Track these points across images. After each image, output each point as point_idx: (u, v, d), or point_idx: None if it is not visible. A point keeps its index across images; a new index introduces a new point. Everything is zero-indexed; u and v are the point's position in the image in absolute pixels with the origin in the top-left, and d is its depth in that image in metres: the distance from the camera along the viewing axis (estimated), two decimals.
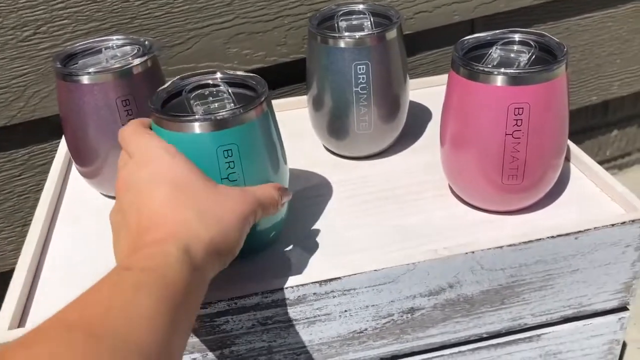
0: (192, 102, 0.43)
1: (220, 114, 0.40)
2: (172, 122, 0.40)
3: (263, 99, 0.42)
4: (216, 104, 0.43)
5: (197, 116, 0.40)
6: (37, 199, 0.68)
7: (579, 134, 0.96)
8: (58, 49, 0.61)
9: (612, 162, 1.03)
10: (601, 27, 0.84)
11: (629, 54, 0.88)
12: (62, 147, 0.61)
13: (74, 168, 0.60)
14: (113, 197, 0.55)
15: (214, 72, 0.45)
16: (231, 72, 0.45)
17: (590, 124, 0.96)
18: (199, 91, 0.44)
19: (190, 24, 0.64)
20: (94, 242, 0.50)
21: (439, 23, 0.74)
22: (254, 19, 0.66)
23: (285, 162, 0.46)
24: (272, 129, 0.44)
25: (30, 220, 0.68)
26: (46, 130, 0.65)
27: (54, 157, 0.67)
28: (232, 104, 0.43)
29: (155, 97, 0.43)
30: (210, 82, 0.45)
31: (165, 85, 0.44)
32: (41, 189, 0.67)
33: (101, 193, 0.56)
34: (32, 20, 0.59)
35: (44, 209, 0.52)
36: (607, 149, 1.01)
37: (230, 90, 0.44)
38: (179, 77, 0.45)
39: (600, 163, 1.01)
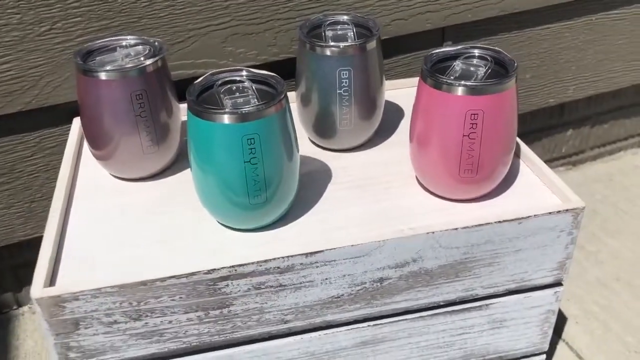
0: (221, 95, 0.51)
1: (246, 108, 0.48)
2: (206, 113, 0.48)
3: (282, 96, 0.50)
4: (242, 99, 0.51)
5: (226, 109, 0.49)
6: (46, 178, 0.75)
7: (537, 133, 1.06)
8: (71, 43, 0.68)
9: (567, 159, 1.13)
10: (559, 37, 0.93)
11: (584, 62, 0.97)
12: (74, 132, 0.68)
13: (85, 151, 0.67)
14: (122, 178, 0.62)
15: (241, 70, 0.53)
16: (255, 70, 0.53)
17: (547, 124, 1.06)
18: (227, 86, 0.52)
19: (190, 24, 0.71)
20: (106, 216, 0.58)
21: (413, 30, 0.82)
22: (248, 21, 0.73)
23: (298, 150, 0.55)
24: (289, 122, 0.52)
25: (38, 197, 0.75)
26: (57, 116, 0.72)
27: (63, 140, 0.74)
28: (256, 100, 0.51)
29: (192, 89, 0.51)
30: (237, 78, 0.53)
31: (199, 80, 0.52)
32: (50, 169, 0.75)
33: (110, 174, 0.63)
34: (48, 17, 0.66)
35: (62, 187, 0.59)
36: (562, 147, 1.11)
37: (253, 87, 0.52)
38: (210, 73, 0.53)
39: (557, 159, 1.11)
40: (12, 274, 0.83)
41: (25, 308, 0.86)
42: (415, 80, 0.79)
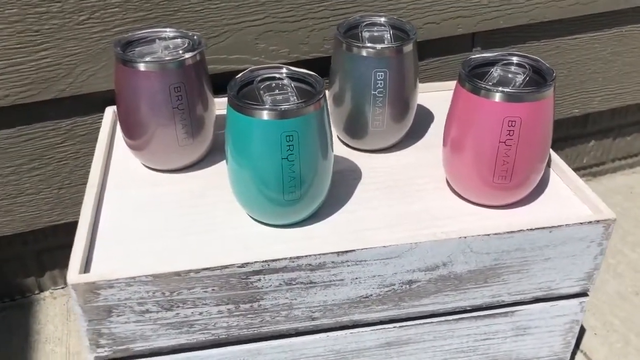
0: (261, 92, 0.52)
1: (287, 105, 0.49)
2: (246, 108, 0.49)
3: (322, 95, 0.51)
4: (281, 96, 0.51)
5: (267, 105, 0.49)
6: (75, 166, 0.76)
7: (560, 142, 1.06)
8: (108, 33, 0.68)
9: (587, 170, 1.12)
10: (588, 48, 0.93)
11: (610, 74, 0.97)
12: (106, 121, 0.69)
13: (117, 140, 0.67)
14: (154, 169, 0.63)
15: (280, 68, 0.54)
16: (294, 68, 0.54)
17: (570, 134, 1.06)
18: (267, 83, 0.53)
19: (225, 19, 0.72)
20: (139, 206, 0.58)
21: (444, 34, 0.82)
22: (282, 19, 0.74)
23: (332, 149, 0.55)
24: (326, 120, 0.52)
25: (66, 184, 0.76)
26: (89, 104, 0.73)
27: (93, 128, 0.74)
28: (295, 97, 0.51)
29: (233, 85, 0.51)
30: (277, 76, 0.53)
31: (240, 75, 0.53)
32: (79, 157, 0.75)
33: (143, 164, 0.64)
34: (88, 6, 0.66)
35: (96, 176, 0.60)
36: (584, 157, 1.11)
37: (292, 85, 0.52)
38: (249, 69, 0.53)
39: (577, 169, 1.11)
40: (35, 259, 0.84)
41: (46, 293, 0.86)
42: (445, 84, 0.79)
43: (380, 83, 0.60)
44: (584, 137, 1.08)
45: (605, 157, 1.12)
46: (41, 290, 0.87)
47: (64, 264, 0.86)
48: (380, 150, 0.67)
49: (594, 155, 1.11)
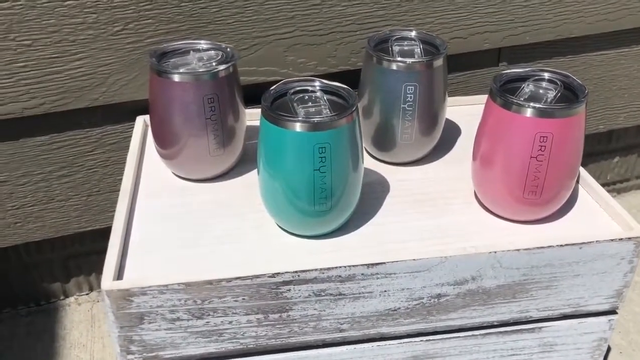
0: (295, 104, 0.52)
1: (320, 118, 0.49)
2: (280, 120, 0.49)
3: (354, 108, 0.51)
4: (313, 109, 0.52)
5: (300, 117, 0.50)
6: (104, 174, 0.77)
7: (584, 158, 1.04)
8: (141, 44, 0.69)
9: (611, 186, 1.12)
10: (614, 64, 0.93)
11: (637, 90, 0.97)
12: (137, 130, 0.70)
13: (147, 151, 0.68)
14: (186, 179, 0.64)
15: (313, 80, 0.55)
16: (326, 81, 0.54)
17: (595, 150, 1.05)
18: (300, 95, 0.53)
19: (255, 32, 0.73)
20: (170, 215, 0.59)
21: (471, 49, 0.83)
22: (310, 32, 0.75)
23: (363, 161, 0.55)
24: (357, 133, 0.53)
25: (95, 191, 0.77)
26: (120, 113, 0.74)
27: (123, 137, 0.75)
28: (328, 110, 0.52)
29: (266, 96, 0.52)
30: (310, 88, 0.54)
31: (273, 88, 0.53)
32: (108, 165, 0.76)
33: (173, 173, 0.64)
34: (122, 18, 0.68)
35: (128, 184, 0.61)
36: (608, 174, 1.10)
37: (325, 97, 0.53)
38: (282, 81, 0.54)
39: (602, 186, 1.10)
40: (61, 265, 0.86)
41: (71, 299, 0.87)
42: (471, 97, 0.79)
43: (410, 97, 0.61)
44: (608, 154, 1.07)
45: (629, 173, 1.11)
46: (66, 296, 0.88)
47: (89, 270, 0.88)
48: (408, 163, 0.67)
49: (618, 172, 1.10)
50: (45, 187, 0.76)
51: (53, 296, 0.88)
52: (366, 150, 0.69)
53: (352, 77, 0.71)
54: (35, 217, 0.77)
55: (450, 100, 0.77)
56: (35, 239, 0.79)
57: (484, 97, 0.57)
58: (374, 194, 0.62)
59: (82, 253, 0.86)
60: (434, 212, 0.60)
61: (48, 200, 0.77)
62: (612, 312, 0.60)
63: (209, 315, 0.51)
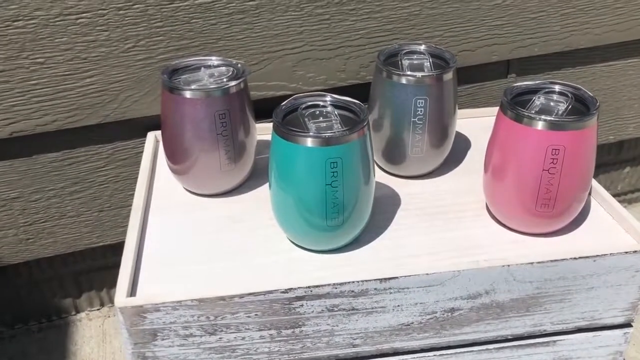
0: (306, 119, 0.53)
1: (331, 133, 0.50)
2: (291, 135, 0.50)
3: (365, 123, 0.51)
4: (325, 124, 0.52)
5: (311, 133, 0.50)
6: (115, 189, 0.77)
7: (594, 168, 1.05)
8: (152, 60, 0.70)
9: (622, 197, 1.11)
10: (623, 74, 0.93)
11: None
12: (149, 145, 0.70)
13: (158, 166, 0.69)
14: (197, 194, 0.64)
15: (324, 95, 0.55)
16: (337, 96, 0.55)
17: (605, 160, 1.05)
18: (311, 110, 0.54)
19: (265, 47, 0.73)
20: (182, 230, 0.59)
21: (479, 61, 0.83)
22: (320, 47, 0.75)
23: (374, 175, 0.55)
24: (369, 147, 0.53)
25: (106, 207, 0.78)
26: (132, 129, 0.74)
27: (134, 153, 0.76)
28: (339, 125, 0.52)
29: (278, 112, 0.52)
30: (321, 103, 0.54)
31: (284, 103, 0.54)
32: (119, 181, 0.77)
33: (185, 188, 0.65)
34: (133, 35, 0.68)
35: (140, 200, 0.61)
36: (618, 184, 1.09)
37: (336, 112, 0.53)
38: (293, 97, 0.54)
39: (612, 196, 1.10)
40: (73, 280, 0.86)
41: (82, 314, 0.88)
42: (480, 110, 0.79)
43: (421, 110, 0.61)
44: (619, 164, 1.07)
45: None
46: (77, 312, 0.88)
47: (100, 285, 0.88)
48: (419, 176, 0.67)
49: (628, 182, 1.10)
50: (57, 203, 0.76)
51: (64, 312, 0.88)
52: (377, 163, 0.69)
53: (361, 91, 0.71)
54: (47, 233, 0.78)
55: (459, 112, 0.78)
56: (47, 255, 0.79)
57: (493, 110, 0.57)
58: (386, 208, 0.62)
59: (93, 268, 0.86)
60: (446, 225, 0.60)
61: (60, 216, 0.77)
62: (627, 325, 0.59)
63: (221, 331, 0.51)
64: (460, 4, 0.78)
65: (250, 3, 0.70)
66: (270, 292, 0.50)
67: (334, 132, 0.50)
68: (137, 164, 0.71)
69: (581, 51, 0.88)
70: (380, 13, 0.75)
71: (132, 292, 0.52)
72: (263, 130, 0.69)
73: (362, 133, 0.52)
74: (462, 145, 0.73)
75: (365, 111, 0.53)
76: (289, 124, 0.53)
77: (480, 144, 0.63)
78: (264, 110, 0.71)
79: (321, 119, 0.54)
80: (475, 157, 0.70)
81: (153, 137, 0.72)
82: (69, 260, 0.84)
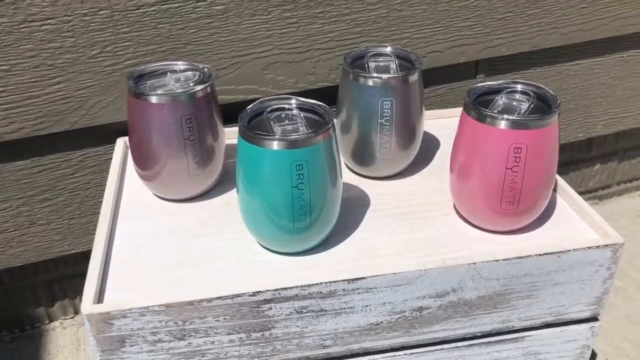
0: (271, 122, 0.53)
1: (296, 135, 0.50)
2: (257, 139, 0.50)
3: (330, 125, 0.52)
4: (290, 127, 0.52)
5: (277, 136, 0.50)
6: (86, 196, 0.77)
7: (565, 166, 1.06)
8: (119, 66, 0.70)
9: (593, 193, 1.13)
10: (590, 73, 0.95)
11: (613, 98, 0.98)
12: (118, 151, 0.70)
13: (127, 172, 0.68)
14: (166, 199, 0.64)
15: (290, 98, 0.55)
16: (303, 99, 0.55)
17: (575, 158, 1.07)
18: (277, 113, 0.54)
19: (234, 51, 0.74)
20: (150, 236, 0.59)
21: (448, 62, 0.84)
22: (288, 50, 0.76)
23: (341, 176, 0.56)
24: (334, 149, 0.53)
25: (77, 214, 0.77)
26: (101, 135, 0.74)
27: (104, 160, 0.75)
28: (304, 127, 0.52)
29: (243, 115, 0.53)
30: (286, 106, 0.54)
31: (250, 107, 0.54)
32: (90, 188, 0.76)
33: (154, 194, 0.65)
34: (100, 41, 0.68)
35: (108, 206, 0.61)
36: (589, 181, 1.11)
37: (302, 115, 0.54)
38: (259, 100, 0.55)
39: (583, 193, 1.12)
40: (45, 289, 0.85)
41: (56, 323, 0.87)
42: (449, 110, 0.80)
43: (387, 112, 0.61)
44: (589, 161, 1.08)
45: (610, 180, 1.12)
46: (51, 320, 0.87)
47: (74, 293, 0.87)
48: (388, 177, 0.67)
49: (599, 179, 1.11)
50: (26, 211, 0.76)
51: (38, 321, 0.87)
52: (346, 165, 0.69)
53: (331, 93, 0.72)
54: (17, 242, 0.77)
55: (428, 113, 0.78)
56: (17, 264, 0.78)
57: (461, 110, 0.58)
58: (354, 209, 0.63)
59: (66, 276, 0.85)
60: (414, 225, 0.60)
61: (30, 224, 0.76)
62: (593, 319, 0.60)
63: (190, 336, 0.51)
64: (428, 6, 0.79)
65: (218, 7, 0.70)
66: (238, 295, 0.50)
67: (299, 135, 0.51)
68: (108, 170, 0.70)
69: (548, 51, 0.89)
70: (349, 16, 0.76)
71: (100, 299, 0.52)
72: (233, 135, 0.69)
73: (327, 135, 0.52)
74: (430, 146, 0.73)
75: (331, 113, 0.54)
76: (255, 128, 0.53)
77: (448, 144, 0.64)
78: (234, 114, 0.71)
79: (287, 122, 0.54)
80: (443, 158, 0.71)
81: (122, 143, 0.71)
82: (41, 269, 0.83)
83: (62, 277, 0.85)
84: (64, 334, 0.85)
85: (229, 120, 0.68)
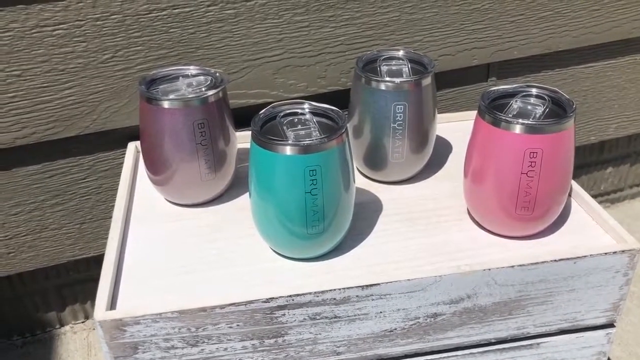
0: (284, 127, 0.53)
1: (310, 140, 0.50)
2: (270, 144, 0.49)
3: (344, 130, 0.51)
4: (303, 131, 0.52)
5: (290, 141, 0.50)
6: (97, 201, 0.77)
7: (577, 169, 1.06)
8: (131, 71, 0.70)
9: (605, 196, 1.12)
10: (602, 76, 0.94)
11: (626, 101, 0.97)
12: (129, 156, 0.70)
13: (139, 177, 0.68)
14: (178, 204, 0.64)
15: (302, 103, 0.55)
16: (315, 103, 0.55)
17: (587, 161, 1.06)
18: (290, 118, 0.53)
19: (245, 55, 0.73)
20: (162, 241, 0.59)
21: (459, 65, 0.83)
22: (299, 54, 0.75)
23: (354, 181, 0.55)
24: (348, 154, 0.53)
25: (89, 219, 0.77)
26: (112, 140, 0.74)
27: (115, 164, 0.75)
28: (317, 132, 0.52)
29: (256, 120, 0.52)
30: (299, 111, 0.54)
31: (262, 112, 0.54)
32: (101, 192, 0.76)
33: (166, 199, 0.64)
34: (112, 45, 0.68)
35: (120, 211, 0.61)
36: (601, 184, 1.10)
37: (314, 119, 0.53)
38: (271, 105, 0.54)
39: (595, 197, 1.11)
40: (56, 293, 0.85)
41: (67, 327, 0.87)
42: (461, 114, 0.80)
43: (400, 116, 0.61)
44: (601, 164, 1.07)
45: (622, 183, 1.11)
46: (62, 325, 0.87)
47: (84, 298, 0.87)
48: (400, 181, 0.67)
49: (611, 182, 1.10)
50: (38, 216, 0.76)
51: (49, 325, 0.87)
52: (358, 169, 0.69)
53: (342, 97, 0.71)
54: (28, 246, 0.77)
55: (440, 116, 0.78)
56: (29, 269, 0.78)
57: (473, 113, 0.57)
58: (367, 214, 0.62)
59: (77, 281, 0.85)
60: (428, 230, 0.60)
61: (41, 229, 0.76)
62: (609, 325, 0.59)
63: (203, 342, 0.51)
64: (440, 9, 0.78)
65: (229, 12, 0.70)
66: (252, 301, 0.50)
67: (312, 140, 0.50)
68: (119, 174, 0.70)
69: (560, 53, 0.89)
70: (360, 19, 0.76)
71: (112, 305, 0.51)
72: (245, 139, 0.69)
73: (340, 140, 0.52)
74: (443, 150, 0.73)
75: (344, 118, 0.53)
76: (268, 133, 0.52)
77: (461, 148, 0.63)
78: (245, 118, 0.71)
79: (299, 126, 0.54)
80: (456, 162, 0.70)
81: (134, 148, 0.71)
82: (52, 273, 0.83)
83: (73, 282, 0.85)
84: (75, 338, 0.85)
85: (239, 124, 0.67)
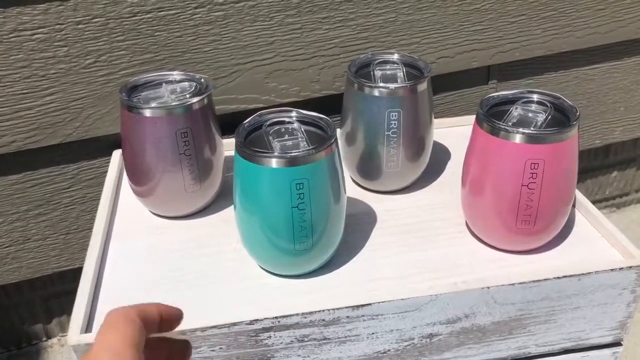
0: (270, 137, 0.49)
1: (296, 152, 0.47)
2: (254, 156, 0.47)
3: (333, 140, 0.48)
4: (290, 142, 0.49)
5: (275, 153, 0.47)
6: (82, 210, 0.74)
7: (581, 174, 1.02)
8: (115, 76, 0.67)
9: (610, 201, 1.09)
10: (607, 77, 0.90)
11: (632, 103, 0.94)
12: (113, 165, 0.67)
13: (123, 187, 0.66)
14: (162, 216, 0.61)
15: (290, 111, 0.52)
16: (304, 111, 0.52)
17: (592, 165, 1.03)
18: (276, 127, 0.50)
19: (234, 59, 0.70)
20: (144, 256, 0.56)
21: (458, 68, 0.80)
22: (292, 57, 0.72)
23: (345, 192, 0.52)
24: (337, 165, 0.50)
25: (74, 229, 0.74)
26: (96, 148, 0.71)
27: (100, 172, 0.73)
28: (305, 143, 0.49)
29: (240, 131, 0.49)
30: (286, 119, 0.51)
31: (247, 121, 0.51)
32: (86, 202, 0.74)
33: (150, 211, 0.61)
34: (94, 50, 0.65)
35: (101, 224, 0.58)
36: (606, 189, 1.07)
37: (302, 129, 0.50)
38: (257, 114, 0.51)
39: (600, 201, 1.08)
40: (43, 305, 0.82)
41: (54, 340, 0.84)
42: (460, 118, 0.77)
43: (394, 123, 0.58)
44: (606, 168, 1.04)
45: (628, 187, 1.08)
46: (48, 337, 0.85)
47: (72, 309, 0.84)
48: (396, 191, 0.64)
49: (616, 187, 1.07)
50: (21, 226, 0.73)
51: (35, 338, 0.84)
52: (351, 178, 0.66)
53: (337, 101, 0.68)
54: (11, 258, 0.74)
55: (438, 121, 0.75)
56: (12, 281, 0.76)
57: (473, 118, 0.54)
58: (360, 226, 0.59)
59: (63, 292, 0.82)
60: (423, 244, 0.57)
61: (24, 240, 0.74)
62: (616, 344, 0.56)
63: None
64: (438, 9, 0.75)
65: (217, 14, 0.67)
66: (235, 324, 0.47)
67: (299, 152, 0.47)
68: (104, 183, 0.68)
69: (564, 55, 0.85)
70: (354, 21, 0.73)
71: (88, 327, 0.49)
72: (233, 147, 0.66)
73: (329, 151, 0.49)
74: (440, 157, 0.70)
75: (333, 127, 0.50)
76: (253, 143, 0.50)
77: (460, 154, 0.60)
78: (235, 125, 0.68)
79: (287, 136, 0.51)
80: (454, 169, 0.67)
81: (118, 156, 0.68)
82: (38, 285, 0.80)
83: (59, 294, 0.82)
84: (62, 351, 0.82)
85: (228, 131, 0.64)
